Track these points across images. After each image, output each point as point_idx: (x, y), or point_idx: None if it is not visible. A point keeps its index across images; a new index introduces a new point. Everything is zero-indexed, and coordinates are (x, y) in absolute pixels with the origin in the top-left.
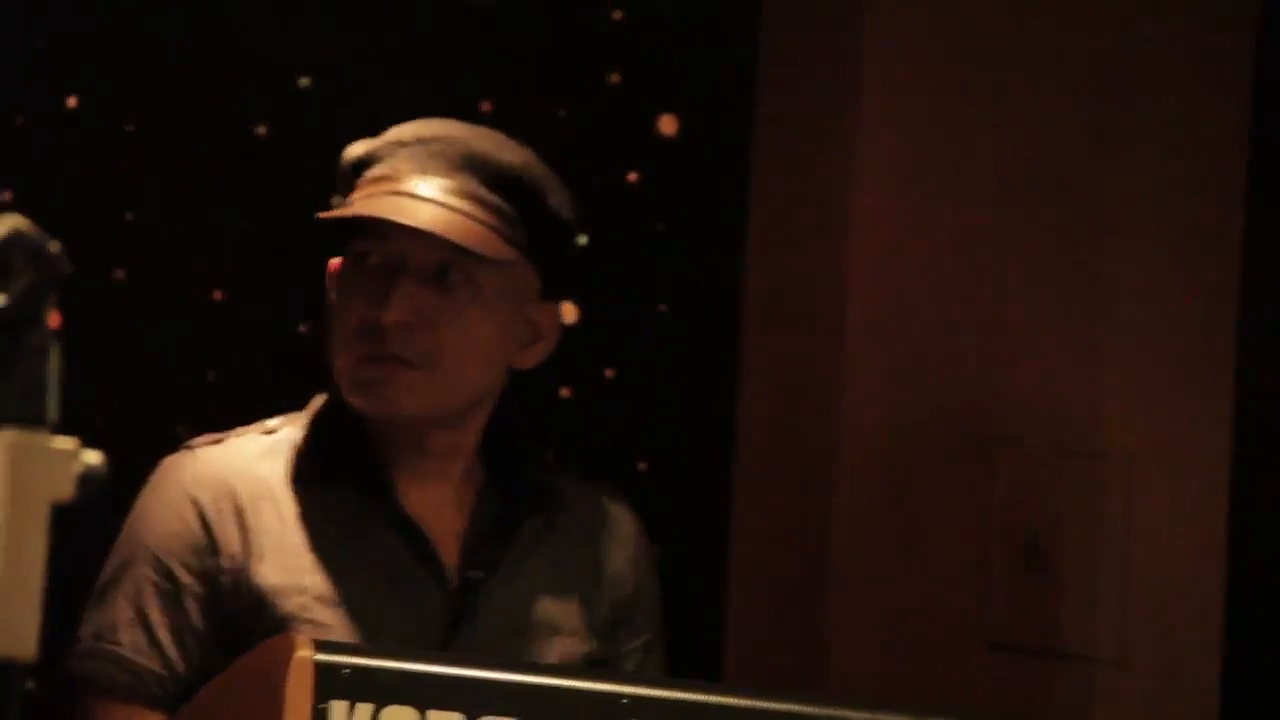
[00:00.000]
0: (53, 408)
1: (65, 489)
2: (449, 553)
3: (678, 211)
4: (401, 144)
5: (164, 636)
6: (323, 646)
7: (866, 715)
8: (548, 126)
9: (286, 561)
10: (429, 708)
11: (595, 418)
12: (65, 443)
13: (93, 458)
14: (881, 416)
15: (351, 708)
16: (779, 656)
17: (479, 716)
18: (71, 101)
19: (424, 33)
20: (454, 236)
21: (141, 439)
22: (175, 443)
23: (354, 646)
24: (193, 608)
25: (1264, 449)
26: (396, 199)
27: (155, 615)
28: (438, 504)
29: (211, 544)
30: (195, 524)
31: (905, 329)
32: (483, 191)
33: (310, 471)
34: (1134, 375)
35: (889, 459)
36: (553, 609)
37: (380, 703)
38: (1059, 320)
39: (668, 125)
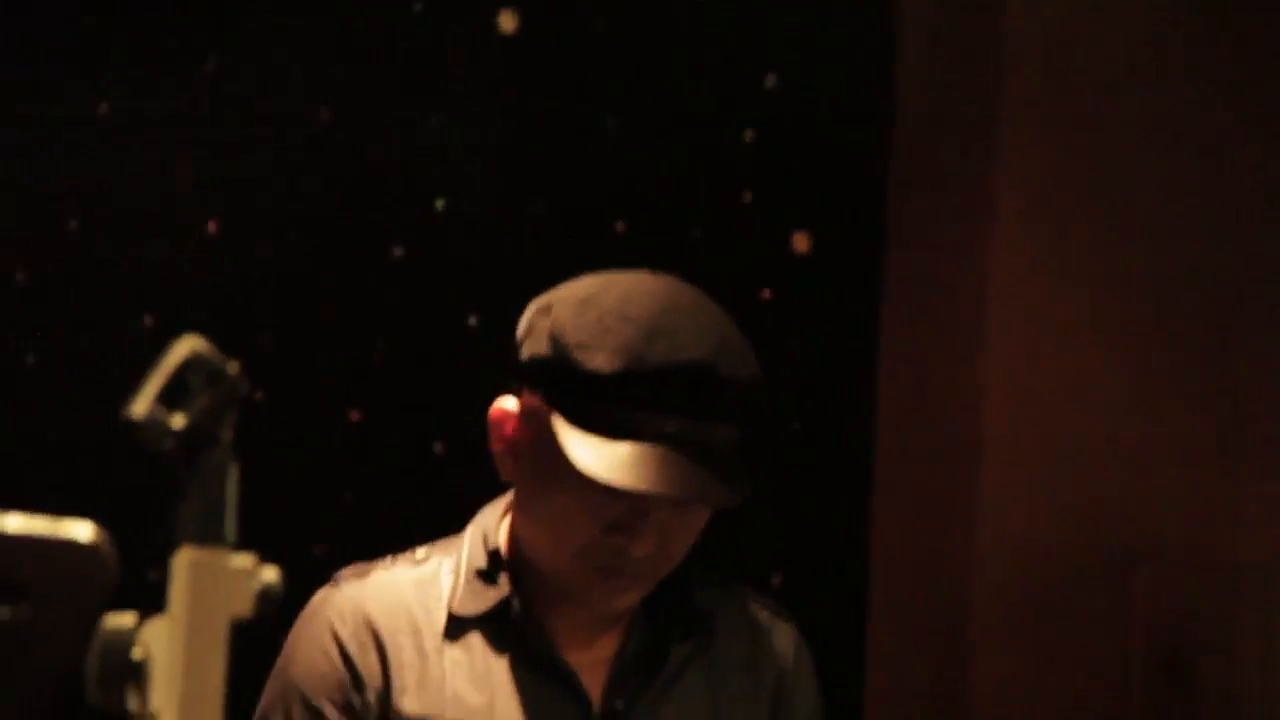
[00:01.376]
0: (231, 526)
1: (244, 606)
2: (594, 681)
3: (811, 328)
4: (655, 376)
5: None
6: None
7: None
8: (681, 245)
9: (428, 696)
10: None
11: (729, 533)
12: (244, 560)
13: (270, 575)
14: (1019, 532)
15: None
16: None
17: None
18: (211, 227)
19: (557, 155)
20: (720, 503)
21: (279, 560)
22: (312, 564)
23: None
24: None
25: None
26: (660, 463)
27: None
28: (587, 632)
29: (355, 679)
30: (338, 660)
31: (1041, 443)
32: (727, 429)
33: (457, 610)
34: (1271, 485)
35: (1027, 575)
36: None
37: None
38: (1195, 432)
39: (801, 243)
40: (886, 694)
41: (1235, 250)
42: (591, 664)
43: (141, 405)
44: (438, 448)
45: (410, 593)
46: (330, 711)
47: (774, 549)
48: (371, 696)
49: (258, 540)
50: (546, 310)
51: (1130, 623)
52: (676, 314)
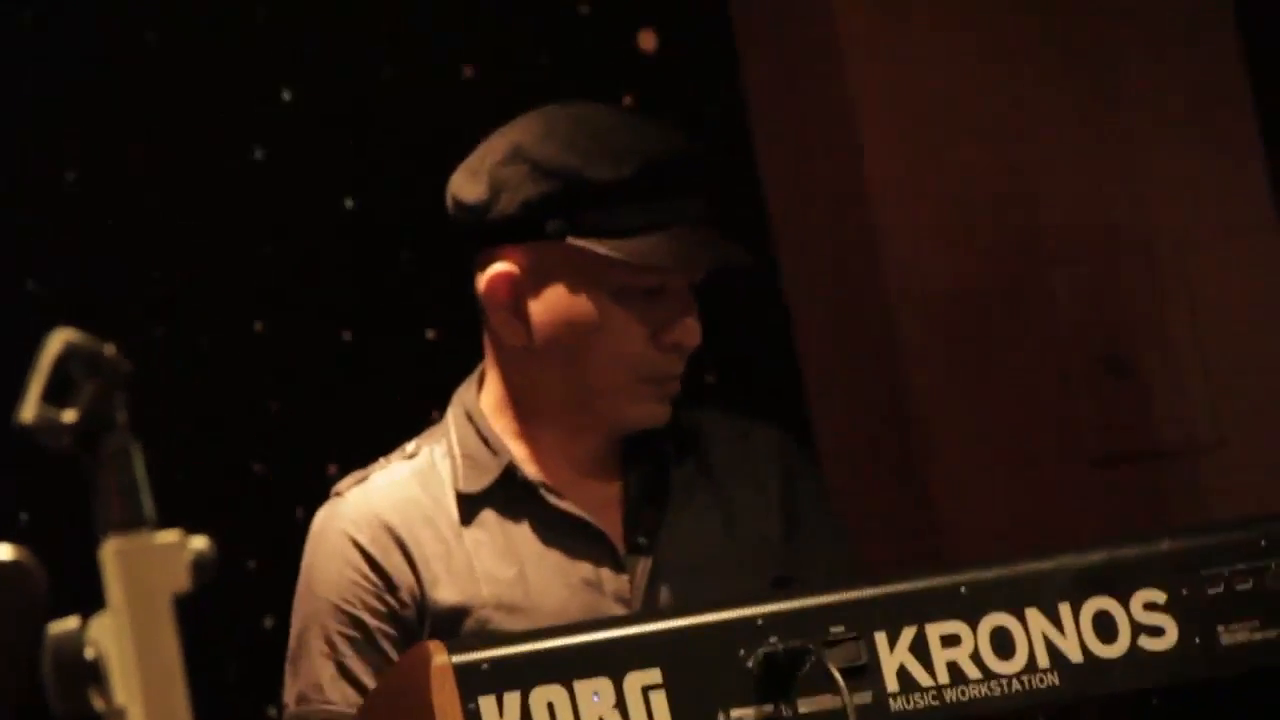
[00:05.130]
0: (149, 505)
1: (181, 581)
2: (611, 525)
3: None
4: (660, 167)
5: (369, 682)
6: (455, 647)
7: (968, 577)
8: (532, 76)
9: (460, 582)
10: (574, 678)
11: None
12: (170, 536)
13: (200, 543)
14: (928, 272)
15: (499, 699)
16: (885, 524)
17: (624, 674)
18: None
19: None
20: (753, 264)
21: (221, 481)
22: (254, 479)
23: (485, 638)
24: (388, 648)
25: None
26: (693, 241)
27: (355, 664)
28: (586, 480)
29: (386, 582)
30: (365, 566)
31: (927, 177)
32: (710, 201)
33: (463, 489)
34: (1165, 155)
35: (947, 310)
36: (726, 546)
37: (526, 687)
38: (1079, 127)
39: (647, 41)
40: (837, 452)
41: None
42: (600, 507)
43: (30, 409)
44: (345, 335)
45: (414, 486)
46: (368, 618)
47: (699, 353)
48: (406, 596)
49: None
50: (509, 161)
51: (1059, 325)
52: (621, 116)
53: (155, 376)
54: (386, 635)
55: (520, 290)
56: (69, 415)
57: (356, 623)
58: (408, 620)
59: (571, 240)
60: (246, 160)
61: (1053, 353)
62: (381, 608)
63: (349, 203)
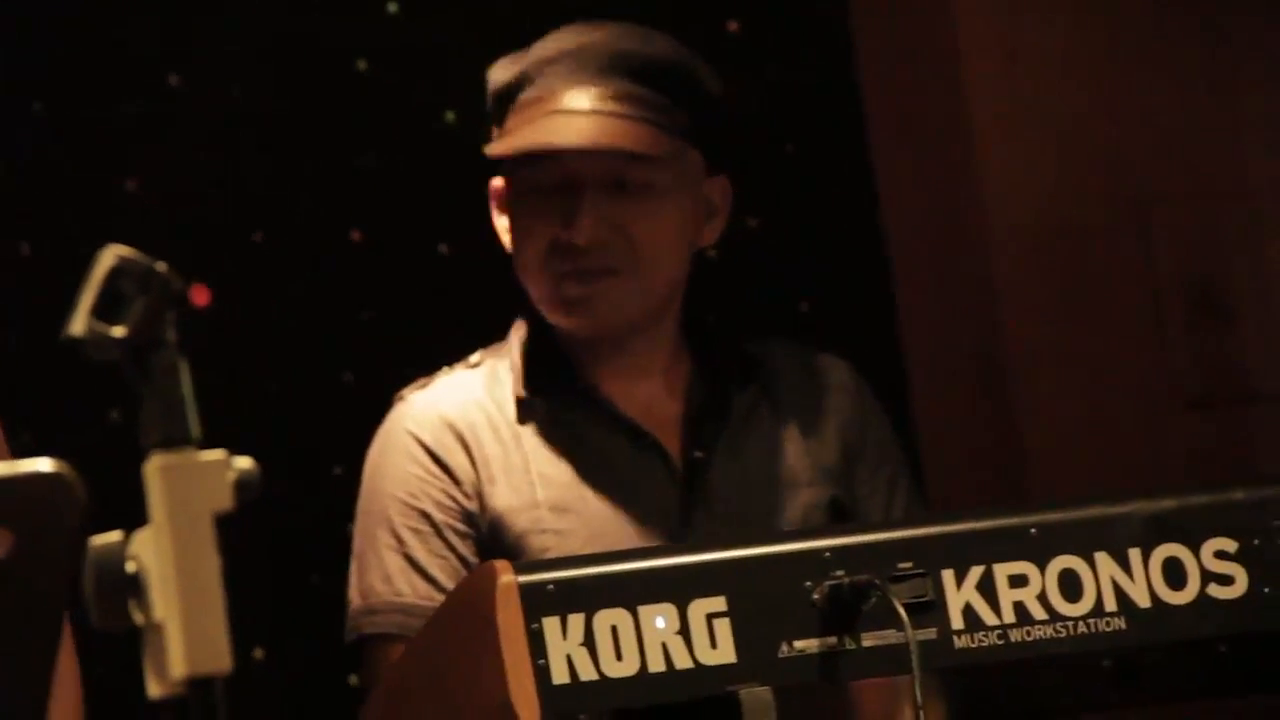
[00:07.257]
0: (194, 424)
1: (224, 500)
2: (670, 440)
3: (786, 59)
4: (548, 61)
5: (438, 574)
6: (522, 568)
7: (1038, 518)
8: None
9: (515, 480)
10: (639, 604)
11: (745, 270)
12: (214, 455)
13: (244, 463)
14: (1024, 199)
15: (564, 621)
16: (973, 457)
17: (690, 601)
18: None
19: None
20: (624, 145)
21: (311, 388)
22: (343, 388)
23: (552, 562)
24: (456, 542)
25: None
26: (557, 119)
27: (424, 557)
28: (649, 397)
29: (450, 476)
30: (428, 461)
31: (1031, 107)
32: (636, 89)
33: (522, 393)
34: (1268, 109)
35: (1043, 243)
36: (782, 468)
37: (590, 610)
38: (1181, 70)
39: None
40: (930, 387)
41: None
42: (661, 424)
43: (79, 322)
44: (442, 248)
45: (478, 389)
46: (436, 513)
47: (792, 274)
48: (470, 490)
49: (283, 373)
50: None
51: (1156, 265)
52: (587, 26)
53: (252, 281)
54: (454, 530)
55: (499, 205)
56: (118, 330)
57: (423, 516)
58: (474, 515)
59: (488, 149)
60: (349, 71)
61: (1149, 293)
62: (447, 501)
63: (449, 116)
